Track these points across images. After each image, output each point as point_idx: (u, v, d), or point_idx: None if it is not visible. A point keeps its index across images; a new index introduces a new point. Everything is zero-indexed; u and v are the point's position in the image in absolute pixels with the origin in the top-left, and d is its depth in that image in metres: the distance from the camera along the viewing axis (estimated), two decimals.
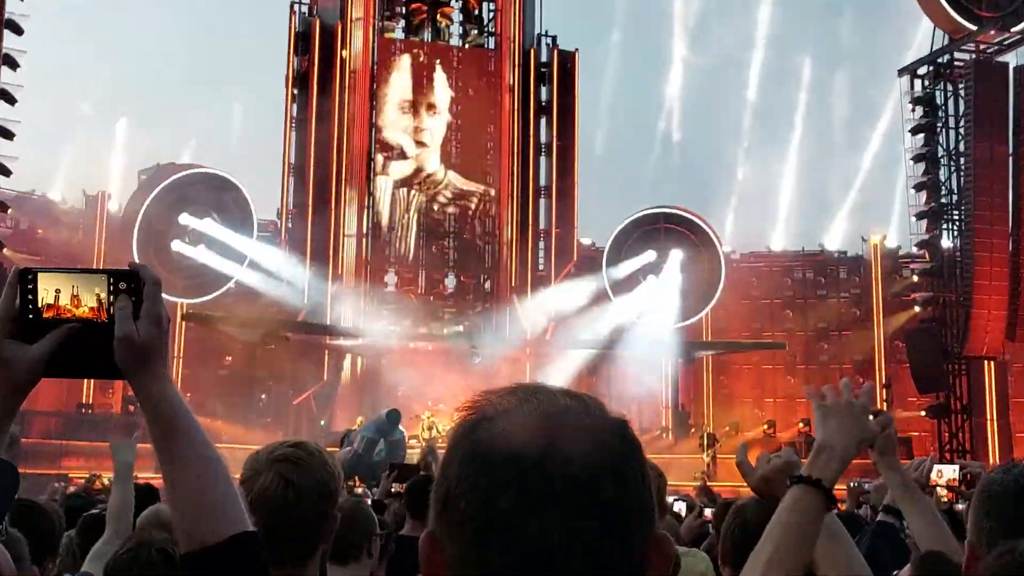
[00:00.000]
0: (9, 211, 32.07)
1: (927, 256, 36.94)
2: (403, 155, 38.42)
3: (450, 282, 38.81)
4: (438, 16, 39.83)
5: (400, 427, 25.10)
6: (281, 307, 34.82)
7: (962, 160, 36.25)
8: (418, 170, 38.52)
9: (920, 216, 36.88)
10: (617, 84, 68.36)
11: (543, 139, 40.20)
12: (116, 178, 38.51)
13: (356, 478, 20.47)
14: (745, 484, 2.59)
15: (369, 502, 6.11)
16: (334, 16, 37.97)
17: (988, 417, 36.15)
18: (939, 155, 36.79)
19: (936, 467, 7.72)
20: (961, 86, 36.80)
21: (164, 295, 1.68)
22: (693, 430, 36.25)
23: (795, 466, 2.36)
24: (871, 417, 2.39)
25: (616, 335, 36.28)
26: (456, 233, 39.00)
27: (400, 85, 38.48)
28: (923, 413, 35.47)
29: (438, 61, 39.18)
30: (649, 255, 38.25)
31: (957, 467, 9.42)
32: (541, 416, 1.16)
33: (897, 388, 36.61)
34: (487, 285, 39.19)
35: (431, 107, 38.70)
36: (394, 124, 38.34)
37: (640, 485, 1.16)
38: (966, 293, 35.20)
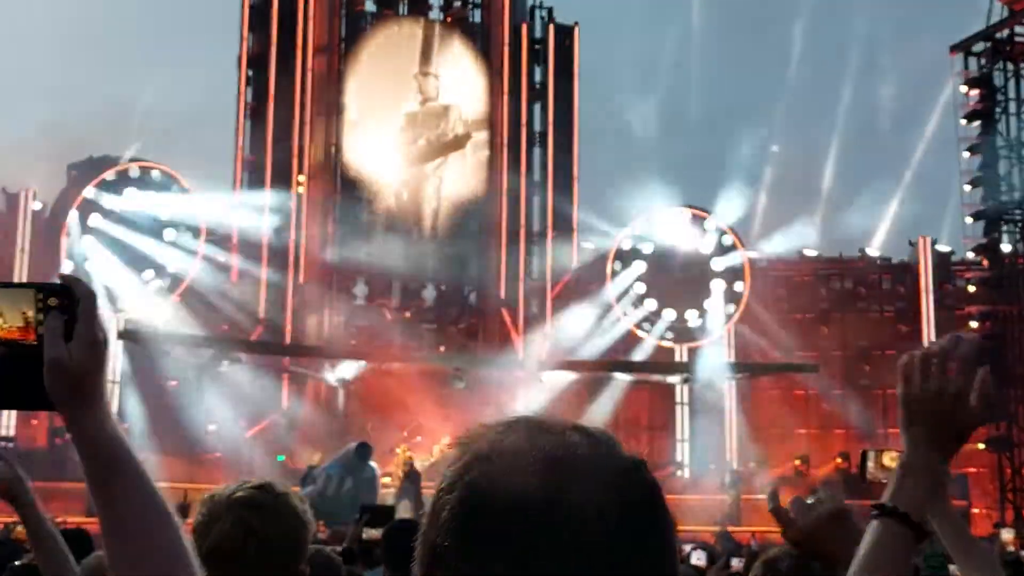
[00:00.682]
0: None
1: (984, 263, 36.99)
2: None
3: (429, 294, 38.75)
4: None
5: (371, 463, 25.07)
6: (234, 323, 34.74)
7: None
8: None
9: (976, 216, 36.95)
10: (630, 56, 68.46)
11: (537, 127, 40.14)
12: (40, 173, 38.32)
13: (320, 522, 20.43)
14: (776, 529, 2.58)
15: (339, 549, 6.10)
16: None
17: None
18: (998, 145, 36.88)
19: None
20: (1023, 65, 36.93)
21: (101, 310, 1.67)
22: (713, 466, 36.18)
23: (846, 515, 2.32)
24: (972, 398, 2.03)
25: (622, 354, 36.19)
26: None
27: (372, 65, 38.46)
28: (982, 446, 35.35)
29: (416, 36, 39.15)
30: None
31: None
32: (545, 457, 1.15)
33: None
34: (472, 297, 39.13)
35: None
36: (365, 111, 38.32)
37: (661, 544, 1.16)
38: None
